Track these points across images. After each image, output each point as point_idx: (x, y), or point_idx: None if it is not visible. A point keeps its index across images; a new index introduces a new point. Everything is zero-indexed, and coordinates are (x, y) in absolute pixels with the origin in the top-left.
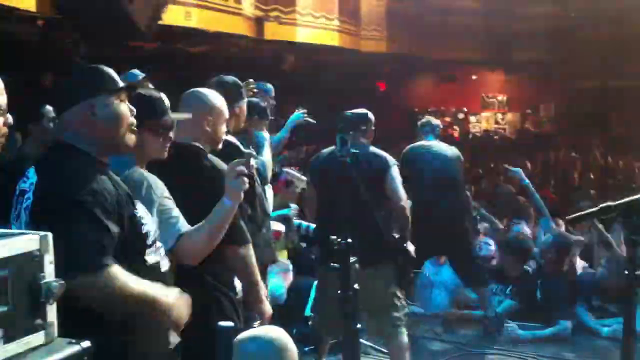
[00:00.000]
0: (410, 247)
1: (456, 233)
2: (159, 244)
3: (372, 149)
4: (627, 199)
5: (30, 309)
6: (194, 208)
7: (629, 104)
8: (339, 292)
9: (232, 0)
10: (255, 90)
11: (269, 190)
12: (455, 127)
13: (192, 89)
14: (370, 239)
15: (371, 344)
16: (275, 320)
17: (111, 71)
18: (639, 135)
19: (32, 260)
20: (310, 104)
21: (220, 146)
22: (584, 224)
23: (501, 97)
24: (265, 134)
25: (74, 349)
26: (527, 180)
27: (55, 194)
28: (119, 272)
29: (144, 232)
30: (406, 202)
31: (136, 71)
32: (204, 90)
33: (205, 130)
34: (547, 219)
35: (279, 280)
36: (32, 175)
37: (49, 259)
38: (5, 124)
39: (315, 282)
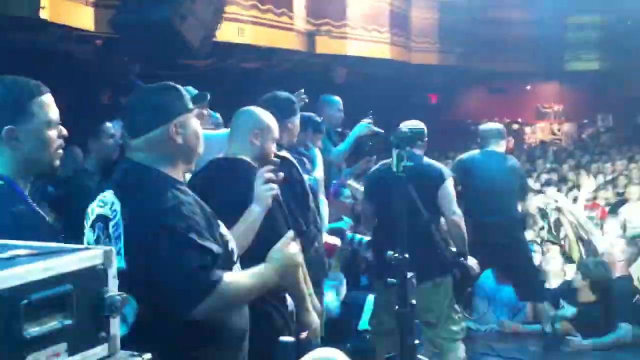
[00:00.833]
0: (471, 262)
1: (512, 244)
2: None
3: (427, 160)
4: None
5: (93, 322)
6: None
7: None
8: (396, 307)
9: (284, 16)
10: (306, 100)
11: (324, 206)
12: (509, 137)
13: (243, 107)
14: (427, 253)
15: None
16: (328, 334)
17: (182, 89)
18: None
19: (95, 274)
20: (361, 116)
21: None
22: None
23: (557, 107)
24: (317, 150)
25: None
26: None
27: (146, 224)
28: (227, 280)
29: (230, 249)
30: (460, 216)
31: (191, 89)
32: (253, 108)
33: (254, 146)
34: None
35: (332, 293)
36: (110, 200)
37: (112, 273)
38: (60, 136)
39: (369, 296)
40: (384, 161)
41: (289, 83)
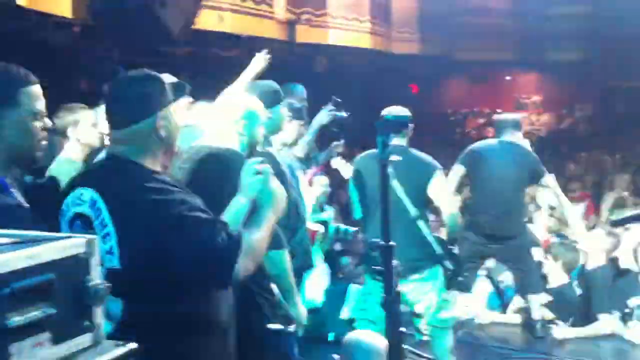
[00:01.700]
0: (456, 250)
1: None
2: None
3: (415, 152)
4: None
5: (77, 311)
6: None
7: None
8: (382, 295)
9: (264, 4)
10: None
11: (306, 195)
12: (489, 128)
13: (229, 95)
14: (415, 248)
15: (413, 349)
16: (311, 323)
17: (163, 78)
18: None
19: (78, 263)
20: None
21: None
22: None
23: (535, 98)
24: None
25: (121, 350)
26: None
27: (147, 219)
28: (247, 236)
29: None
30: (455, 205)
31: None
32: (240, 96)
33: (242, 136)
34: None
35: (315, 283)
36: (89, 198)
37: (95, 261)
38: (44, 128)
39: (352, 285)
40: (370, 151)
41: (269, 72)
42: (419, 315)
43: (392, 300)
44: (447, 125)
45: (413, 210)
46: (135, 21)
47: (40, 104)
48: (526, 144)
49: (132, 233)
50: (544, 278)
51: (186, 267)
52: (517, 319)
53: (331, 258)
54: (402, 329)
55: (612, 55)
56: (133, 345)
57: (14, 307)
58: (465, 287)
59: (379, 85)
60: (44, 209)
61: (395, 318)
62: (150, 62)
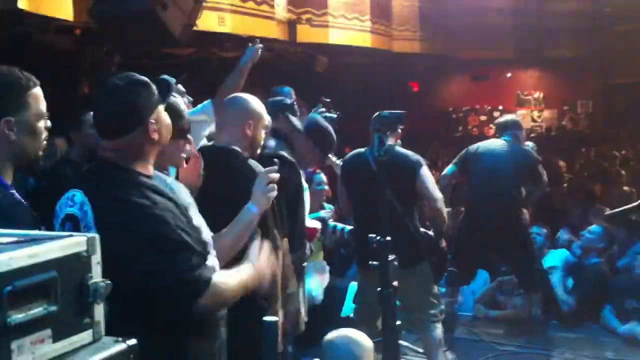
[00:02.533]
0: (442, 244)
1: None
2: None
3: (400, 149)
4: None
5: (78, 308)
6: (228, 208)
7: None
8: (378, 289)
9: (265, 5)
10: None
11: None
12: (491, 125)
13: (232, 95)
14: (403, 244)
15: (408, 344)
16: (311, 320)
17: (150, 82)
18: None
19: (79, 261)
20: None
21: (259, 151)
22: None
23: (537, 94)
24: None
25: (121, 346)
26: None
27: (124, 233)
28: (220, 277)
29: (203, 240)
30: (441, 201)
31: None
32: (244, 96)
33: (245, 135)
34: None
35: (315, 281)
36: (79, 200)
37: (96, 259)
38: (46, 128)
39: (352, 283)
40: (357, 150)
41: (271, 72)
42: (409, 309)
43: (388, 293)
44: (448, 123)
45: (400, 209)
46: (136, 24)
47: (43, 105)
48: (529, 145)
49: (107, 239)
50: (543, 273)
51: (145, 288)
52: (516, 314)
53: (331, 256)
54: (398, 322)
55: (611, 51)
56: (132, 341)
57: (15, 305)
58: (462, 282)
59: (380, 84)
60: (45, 210)
61: (392, 311)
62: (152, 64)
